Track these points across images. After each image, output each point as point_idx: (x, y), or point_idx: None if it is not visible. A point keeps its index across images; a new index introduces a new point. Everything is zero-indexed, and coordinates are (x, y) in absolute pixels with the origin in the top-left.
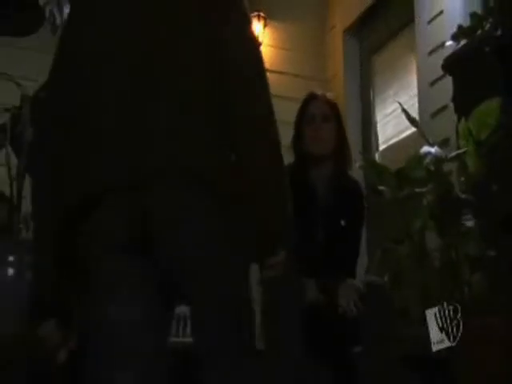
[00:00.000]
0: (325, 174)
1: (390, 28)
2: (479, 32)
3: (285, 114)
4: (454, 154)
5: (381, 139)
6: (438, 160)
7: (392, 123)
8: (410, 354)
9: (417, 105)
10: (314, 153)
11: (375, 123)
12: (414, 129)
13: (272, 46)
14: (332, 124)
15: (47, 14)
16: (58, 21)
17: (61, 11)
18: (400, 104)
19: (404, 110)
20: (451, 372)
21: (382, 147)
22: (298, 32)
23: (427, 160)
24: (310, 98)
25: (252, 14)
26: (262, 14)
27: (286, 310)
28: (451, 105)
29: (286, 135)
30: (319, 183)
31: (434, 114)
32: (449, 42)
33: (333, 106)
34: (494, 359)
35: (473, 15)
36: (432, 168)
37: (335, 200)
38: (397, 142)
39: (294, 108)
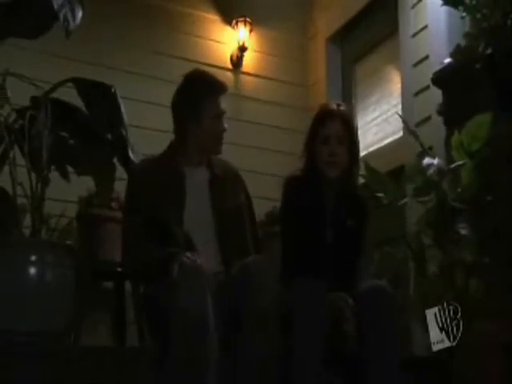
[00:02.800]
0: (335, 184)
1: (373, 39)
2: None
3: (266, 118)
4: (453, 165)
5: (361, 146)
6: (440, 171)
7: (373, 131)
8: (409, 355)
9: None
10: (327, 174)
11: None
12: (394, 137)
13: (257, 51)
14: (346, 145)
15: (61, 18)
16: (72, 25)
17: (74, 16)
18: (400, 116)
19: (404, 122)
20: (451, 372)
21: (362, 153)
22: (283, 38)
23: (430, 171)
24: (326, 116)
25: (239, 19)
26: (248, 19)
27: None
28: (435, 115)
29: (267, 137)
30: (329, 191)
31: (418, 124)
32: (447, 60)
33: (347, 124)
34: (492, 361)
35: (467, 35)
36: (436, 179)
37: (343, 206)
38: (377, 149)
39: (274, 111)
